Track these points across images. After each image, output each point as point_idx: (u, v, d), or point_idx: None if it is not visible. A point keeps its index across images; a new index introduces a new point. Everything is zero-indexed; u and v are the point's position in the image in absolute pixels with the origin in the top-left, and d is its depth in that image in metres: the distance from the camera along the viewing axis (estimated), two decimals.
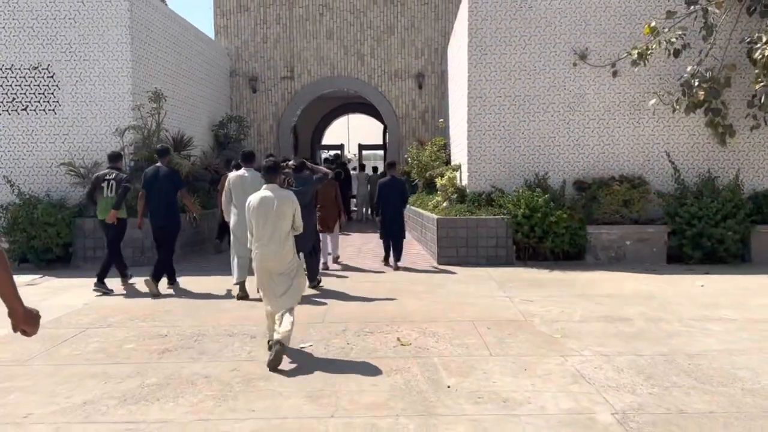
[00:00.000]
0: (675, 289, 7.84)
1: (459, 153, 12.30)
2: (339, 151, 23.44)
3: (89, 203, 8.68)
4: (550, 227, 9.78)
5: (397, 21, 16.80)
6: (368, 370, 4.68)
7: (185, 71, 13.52)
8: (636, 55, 9.87)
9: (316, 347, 5.32)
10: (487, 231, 10.03)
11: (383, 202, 9.86)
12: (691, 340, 5.43)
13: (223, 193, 7.72)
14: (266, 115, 17.01)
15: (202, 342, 5.57)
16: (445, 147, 14.19)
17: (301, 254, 7.18)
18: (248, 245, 5.31)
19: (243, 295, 7.45)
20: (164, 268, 8.09)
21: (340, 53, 16.85)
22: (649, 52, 9.82)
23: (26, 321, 2.41)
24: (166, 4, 15.11)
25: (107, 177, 8.11)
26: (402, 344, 5.36)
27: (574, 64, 10.62)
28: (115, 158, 8.39)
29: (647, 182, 10.42)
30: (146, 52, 11.58)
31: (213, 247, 11.73)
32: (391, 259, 9.90)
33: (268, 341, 5.22)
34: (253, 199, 5.12)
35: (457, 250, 10.07)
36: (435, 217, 10.27)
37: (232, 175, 7.61)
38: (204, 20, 40.89)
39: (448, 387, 4.30)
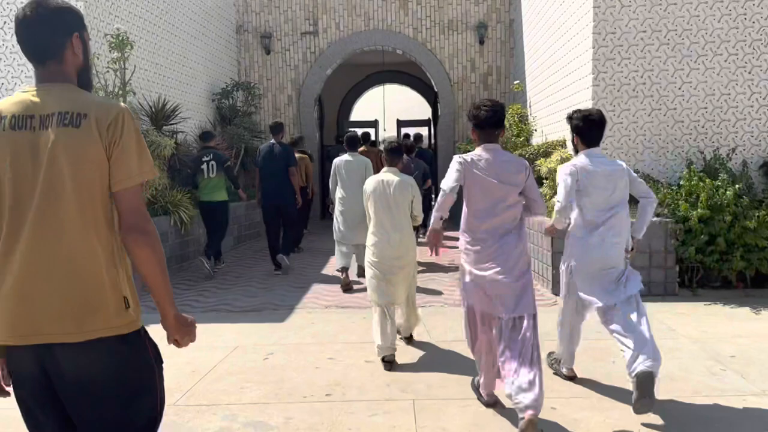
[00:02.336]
0: None
1: (554, 124, 8.54)
2: (408, 131, 18.88)
3: (192, 187, 8.20)
4: (740, 237, 6.06)
5: None
6: None
7: (171, 18, 9.87)
8: None
9: None
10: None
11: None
12: None
13: (330, 180, 7.41)
14: (283, 81, 13.30)
15: None
16: (525, 118, 10.43)
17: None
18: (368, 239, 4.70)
19: (347, 282, 6.94)
20: (294, 242, 8.40)
21: (377, 0, 13.06)
22: None
23: (177, 329, 1.96)
24: None
25: (204, 158, 7.80)
26: None
27: None
28: (207, 137, 8.20)
29: None
30: None
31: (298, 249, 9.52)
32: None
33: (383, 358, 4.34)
34: (369, 183, 4.72)
35: None
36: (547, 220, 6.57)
37: (338, 159, 7.33)
38: None
39: None
